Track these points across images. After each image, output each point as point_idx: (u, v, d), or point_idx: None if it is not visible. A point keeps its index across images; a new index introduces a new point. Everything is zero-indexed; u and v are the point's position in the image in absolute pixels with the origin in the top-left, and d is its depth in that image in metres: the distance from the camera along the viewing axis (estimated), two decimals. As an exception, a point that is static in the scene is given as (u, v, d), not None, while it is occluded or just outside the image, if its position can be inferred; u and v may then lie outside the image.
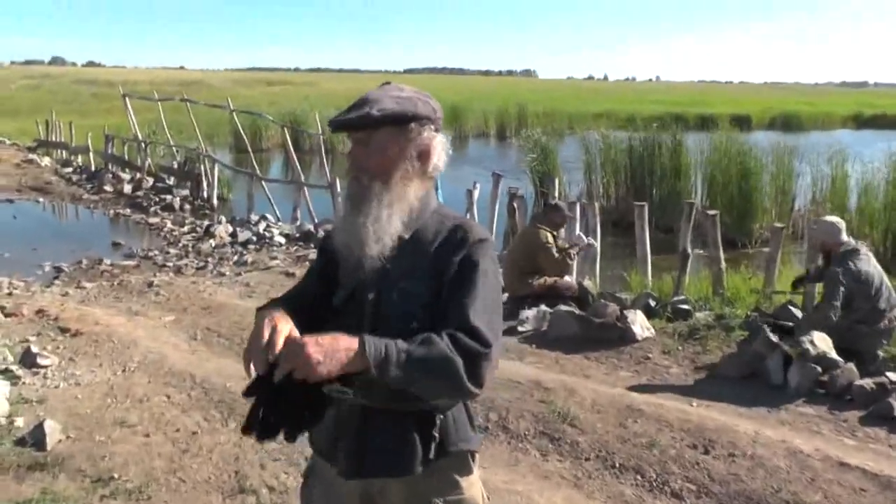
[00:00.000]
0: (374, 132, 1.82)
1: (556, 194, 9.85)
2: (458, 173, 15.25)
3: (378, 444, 1.84)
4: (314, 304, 1.93)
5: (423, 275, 1.82)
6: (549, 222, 7.58)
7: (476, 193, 10.64)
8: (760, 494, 3.90)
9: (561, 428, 4.68)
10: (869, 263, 5.78)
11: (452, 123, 36.90)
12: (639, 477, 4.12)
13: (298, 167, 13.61)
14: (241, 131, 15.92)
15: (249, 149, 15.51)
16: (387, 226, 1.81)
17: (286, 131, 13.98)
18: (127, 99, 18.54)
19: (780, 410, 5.12)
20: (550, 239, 7.43)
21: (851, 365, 5.43)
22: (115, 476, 4.09)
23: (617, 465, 4.25)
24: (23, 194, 16.55)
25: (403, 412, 1.83)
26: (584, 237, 8.02)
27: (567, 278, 7.87)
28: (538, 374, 5.67)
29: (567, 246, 7.76)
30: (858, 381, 5.26)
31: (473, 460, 1.97)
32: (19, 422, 4.72)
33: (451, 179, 12.51)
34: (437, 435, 1.85)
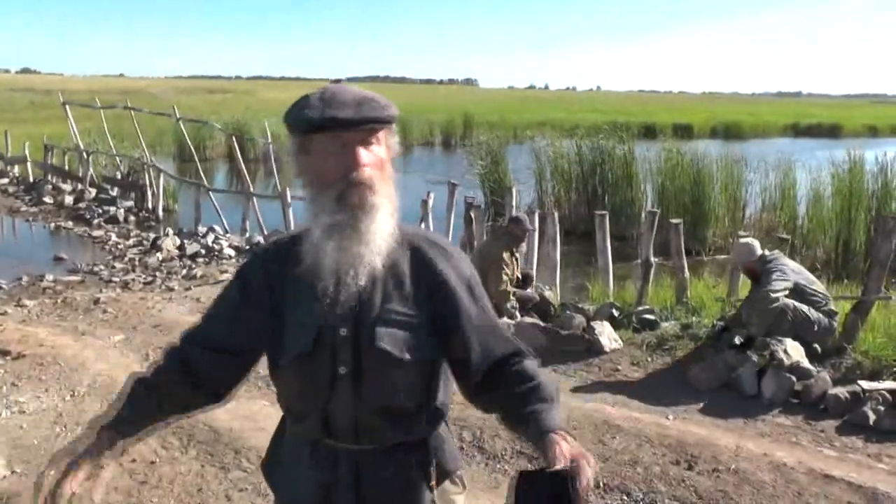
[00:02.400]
0: (377, 132, 1.62)
1: (514, 204, 9.72)
2: (406, 181, 15.03)
3: (387, 487, 1.69)
4: (232, 355, 1.72)
5: (408, 294, 1.67)
6: (510, 235, 7.43)
7: (430, 202, 10.47)
8: (751, 512, 3.81)
9: (539, 447, 4.53)
10: (787, 259, 6.18)
11: (398, 132, 36.61)
12: (625, 497, 3.99)
13: (247, 177, 13.26)
14: (187, 140, 15.45)
15: (196, 158, 15.07)
16: (382, 243, 1.62)
17: (233, 140, 13.62)
18: (67, 107, 17.85)
19: (758, 422, 5.06)
20: (507, 257, 7.27)
21: (825, 374, 5.42)
22: (68, 513, 3.79)
23: (601, 484, 4.11)
24: (-46, 207, 15.82)
25: (395, 447, 1.71)
26: (535, 297, 7.76)
27: (529, 290, 7.75)
28: (508, 390, 5.51)
29: (520, 276, 7.58)
30: (832, 391, 5.24)
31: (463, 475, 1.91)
32: (-43, 456, 4.39)
33: (400, 188, 12.30)
34: (433, 459, 1.75)
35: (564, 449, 1.47)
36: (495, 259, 7.16)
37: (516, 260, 7.56)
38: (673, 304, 7.38)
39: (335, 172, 1.58)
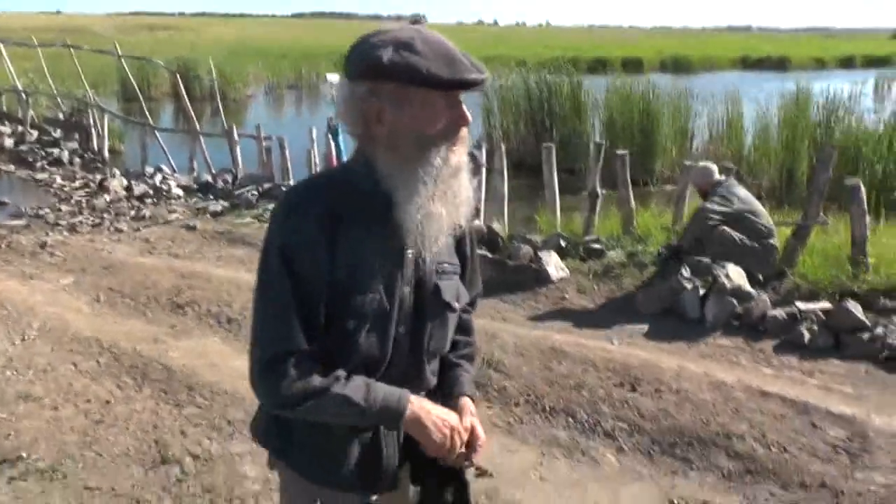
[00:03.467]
0: None
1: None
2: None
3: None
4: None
5: (449, 244, 1.66)
6: None
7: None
8: (691, 428, 3.99)
9: (486, 373, 4.65)
10: (739, 188, 6.31)
11: (343, 71, 36.14)
12: (570, 419, 4.14)
13: (193, 116, 13.02)
14: (131, 79, 15.01)
15: (140, 97, 14.68)
16: (468, 204, 1.59)
17: (178, 78, 13.30)
18: (2, 46, 17.19)
19: (700, 344, 5.25)
20: None
21: (766, 296, 5.61)
22: (24, 455, 3.79)
23: (547, 408, 4.26)
24: None
25: (430, 392, 1.77)
26: (482, 228, 7.83)
27: (476, 222, 7.81)
28: (458, 320, 5.61)
29: None
30: (771, 312, 5.44)
31: None
32: None
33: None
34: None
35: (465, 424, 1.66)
36: None
37: None
38: (620, 234, 7.52)
39: (442, 129, 1.50)
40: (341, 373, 1.51)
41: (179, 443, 3.92)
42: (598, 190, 7.72)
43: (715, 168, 6.43)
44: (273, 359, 1.47)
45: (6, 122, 16.71)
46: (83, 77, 15.39)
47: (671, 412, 4.14)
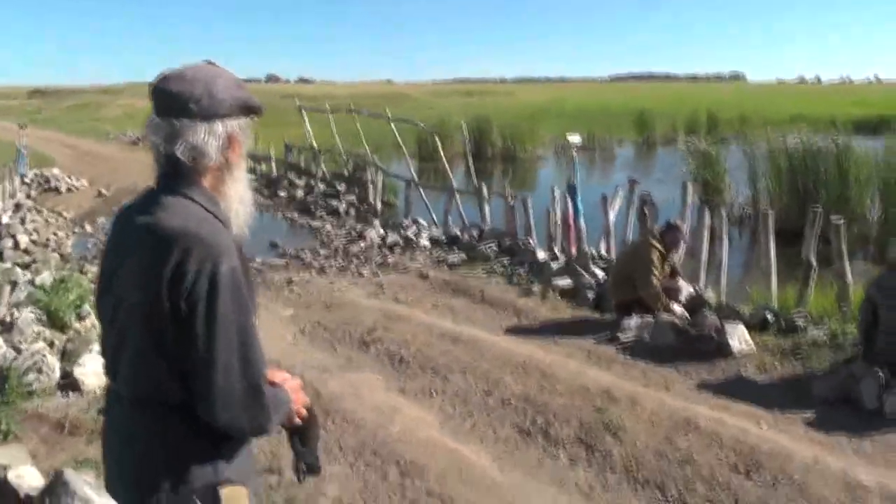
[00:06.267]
0: None
1: (688, 202, 9.41)
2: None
3: None
4: None
5: None
6: (663, 240, 7.34)
7: (618, 201, 10.46)
8: (784, 524, 3.61)
9: (602, 437, 4.56)
10: None
11: (642, 130, 35.96)
12: (658, 493, 3.94)
13: (450, 172, 13.94)
14: (399, 139, 16.36)
15: (406, 154, 16.00)
16: None
17: (436, 138, 14.40)
18: (303, 111, 19.87)
19: (864, 439, 4.66)
20: (656, 258, 7.16)
21: (958, 392, 4.85)
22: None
23: (640, 479, 4.09)
24: (210, 201, 18.06)
25: None
26: (679, 287, 7.60)
27: (681, 281, 7.57)
28: (613, 384, 5.53)
29: (673, 276, 7.42)
30: (965, 413, 4.69)
31: None
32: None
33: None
34: None
35: None
36: (645, 259, 7.12)
37: (667, 264, 7.44)
38: (834, 310, 6.87)
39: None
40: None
41: (289, 456, 4.32)
42: (813, 260, 7.14)
43: None
44: (262, 382, 1.72)
45: (302, 177, 19.09)
46: (364, 138, 17.20)
47: (773, 504, 3.77)
